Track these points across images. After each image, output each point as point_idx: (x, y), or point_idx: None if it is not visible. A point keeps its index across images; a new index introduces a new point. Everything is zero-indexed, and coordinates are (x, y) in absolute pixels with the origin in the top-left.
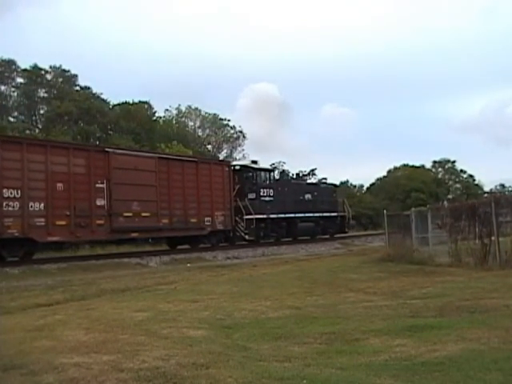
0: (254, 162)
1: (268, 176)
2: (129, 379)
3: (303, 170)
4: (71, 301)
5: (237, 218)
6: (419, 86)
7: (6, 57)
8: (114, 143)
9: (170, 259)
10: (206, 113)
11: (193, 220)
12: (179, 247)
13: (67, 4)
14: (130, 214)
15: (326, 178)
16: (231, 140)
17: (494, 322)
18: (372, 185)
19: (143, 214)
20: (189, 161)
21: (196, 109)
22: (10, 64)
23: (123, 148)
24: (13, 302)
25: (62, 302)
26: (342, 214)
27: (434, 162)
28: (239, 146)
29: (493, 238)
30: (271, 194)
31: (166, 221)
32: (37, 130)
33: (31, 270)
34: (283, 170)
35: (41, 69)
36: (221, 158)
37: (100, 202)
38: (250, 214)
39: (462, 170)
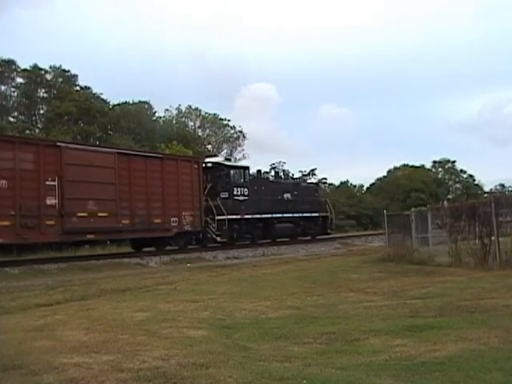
0: (228, 159)
1: (242, 174)
2: (129, 379)
3: (303, 170)
4: (71, 301)
5: (208, 219)
6: (419, 86)
7: (5, 57)
8: (114, 143)
9: (170, 259)
10: (206, 113)
11: (157, 220)
12: (183, 247)
13: (62, 4)
14: (84, 214)
15: (325, 178)
16: (231, 140)
17: (494, 322)
18: (372, 185)
19: (100, 214)
20: (152, 157)
21: (196, 109)
22: (9, 64)
23: (77, 142)
24: (13, 302)
25: (62, 301)
26: (324, 214)
27: (434, 162)
28: (239, 146)
29: (493, 238)
30: (246, 193)
31: (126, 221)
32: (37, 130)
33: (31, 270)
34: (260, 170)
35: (41, 69)
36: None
37: (50, 201)
38: (222, 214)
39: (462, 170)
